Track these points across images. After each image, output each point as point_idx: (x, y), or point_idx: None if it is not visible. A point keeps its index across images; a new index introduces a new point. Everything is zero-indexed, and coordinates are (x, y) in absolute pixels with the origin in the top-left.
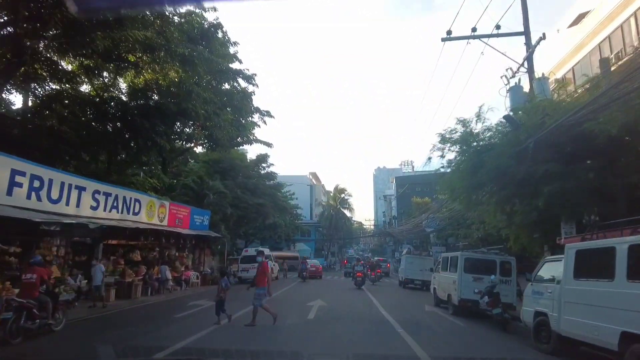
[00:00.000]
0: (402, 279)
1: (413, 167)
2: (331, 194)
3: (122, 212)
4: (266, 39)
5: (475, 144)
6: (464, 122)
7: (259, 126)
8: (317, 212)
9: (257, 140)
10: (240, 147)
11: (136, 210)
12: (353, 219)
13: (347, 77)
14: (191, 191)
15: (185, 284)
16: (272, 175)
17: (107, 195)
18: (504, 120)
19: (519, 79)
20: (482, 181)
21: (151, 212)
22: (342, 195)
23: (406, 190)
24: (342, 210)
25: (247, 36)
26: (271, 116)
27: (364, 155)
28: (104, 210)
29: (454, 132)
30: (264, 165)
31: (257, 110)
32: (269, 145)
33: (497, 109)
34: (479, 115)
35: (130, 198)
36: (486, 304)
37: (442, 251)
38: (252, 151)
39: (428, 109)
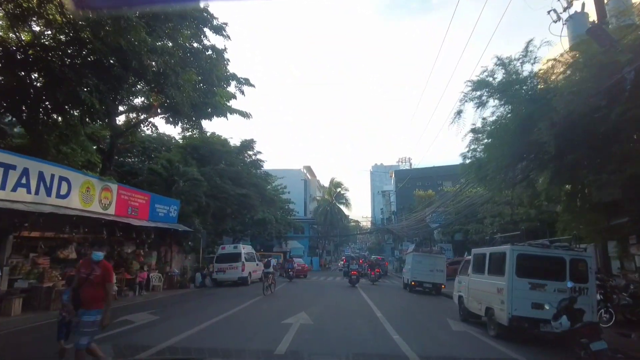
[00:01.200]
0: (408, 281)
1: (411, 164)
2: (326, 189)
3: (37, 193)
4: (259, 34)
5: (523, 92)
6: (504, 63)
7: (235, 97)
8: (312, 208)
9: (232, 110)
10: (213, 119)
11: (63, 192)
12: (350, 217)
13: (343, 72)
14: (159, 177)
15: (140, 288)
16: (258, 164)
17: (8, 167)
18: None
19: (583, 3)
20: (538, 141)
21: (89, 196)
22: (338, 190)
23: (406, 185)
24: (338, 205)
25: (239, 31)
26: (251, 85)
27: (360, 154)
28: (2, 188)
29: (492, 74)
30: (250, 153)
31: (234, 77)
32: (245, 115)
33: (553, 42)
34: (526, 53)
35: (53, 175)
36: (566, 330)
37: (449, 249)
38: (230, 131)
39: (428, 103)
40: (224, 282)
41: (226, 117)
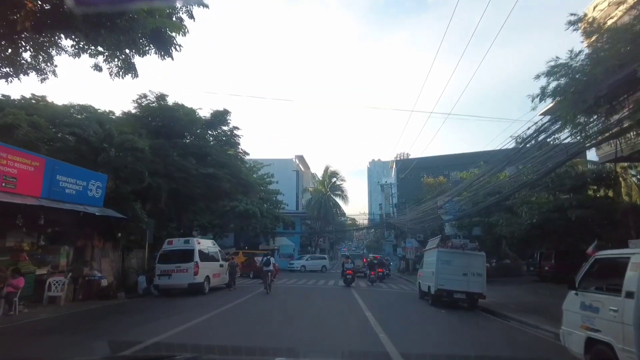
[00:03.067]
0: (429, 289)
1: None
2: (319, 179)
3: None
4: (252, 22)
5: None
6: None
7: (183, 31)
8: (305, 201)
9: (161, 23)
10: (150, 50)
11: None
12: (346, 215)
13: (341, 69)
14: (86, 145)
15: (9, 304)
16: (233, 141)
17: None
18: None
19: None
20: None
21: None
22: (334, 180)
23: (408, 176)
24: (334, 197)
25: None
26: (204, 5)
27: (356, 153)
28: None
29: None
30: (224, 128)
31: None
32: (181, 29)
33: None
34: None
35: None
36: None
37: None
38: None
39: (426, 99)
40: (171, 290)
41: (169, 51)
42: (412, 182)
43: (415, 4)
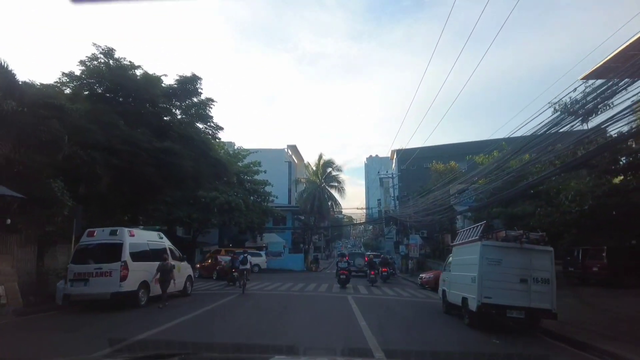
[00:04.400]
0: (464, 303)
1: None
2: (313, 168)
3: None
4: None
5: None
6: None
7: None
8: (298, 194)
9: None
10: None
11: None
12: (343, 212)
13: (340, 70)
14: None
15: None
16: (204, 114)
17: None
18: None
19: None
20: None
21: None
22: (329, 170)
23: (410, 167)
24: (329, 189)
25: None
26: None
27: (354, 150)
28: None
29: None
30: (195, 100)
31: None
32: None
33: None
34: None
35: None
36: None
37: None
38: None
39: (425, 95)
40: (80, 300)
41: None
42: (415, 174)
43: (413, 2)
